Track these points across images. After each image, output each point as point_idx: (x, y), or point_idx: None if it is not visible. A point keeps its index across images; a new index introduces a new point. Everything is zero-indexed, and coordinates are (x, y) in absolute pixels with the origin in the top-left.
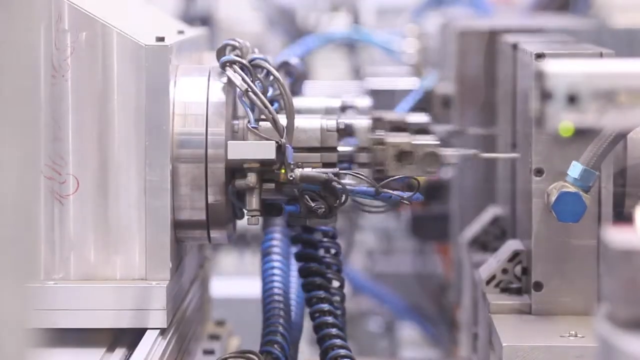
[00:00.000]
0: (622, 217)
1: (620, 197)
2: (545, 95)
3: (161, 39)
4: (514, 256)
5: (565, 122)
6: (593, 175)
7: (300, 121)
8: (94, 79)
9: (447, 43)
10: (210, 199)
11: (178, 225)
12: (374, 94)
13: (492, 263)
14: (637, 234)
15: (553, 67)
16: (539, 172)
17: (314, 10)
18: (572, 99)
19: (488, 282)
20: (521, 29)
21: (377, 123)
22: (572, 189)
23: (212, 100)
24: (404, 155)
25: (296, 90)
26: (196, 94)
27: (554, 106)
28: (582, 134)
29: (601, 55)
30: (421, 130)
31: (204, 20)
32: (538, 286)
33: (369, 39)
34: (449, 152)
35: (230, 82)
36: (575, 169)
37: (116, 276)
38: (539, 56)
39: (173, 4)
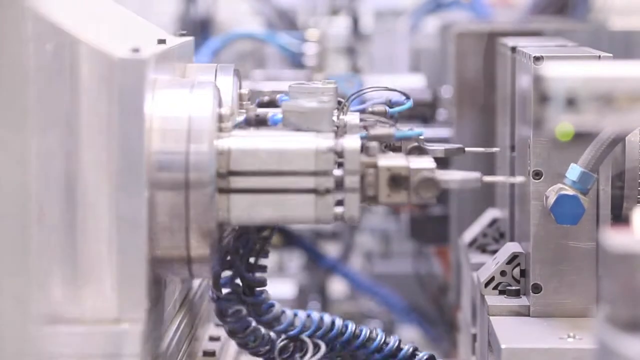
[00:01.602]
0: (620, 219)
1: (619, 199)
2: (544, 98)
3: (136, 51)
4: (513, 258)
5: (563, 125)
6: (591, 177)
7: (288, 140)
8: (59, 96)
9: (446, 45)
10: (193, 231)
11: (155, 260)
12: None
13: (491, 265)
14: (635, 236)
15: (551, 70)
16: (538, 174)
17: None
18: (571, 102)
19: (487, 284)
20: (520, 31)
21: (368, 140)
22: (570, 192)
23: (194, 115)
24: (397, 179)
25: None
26: (176, 108)
27: (552, 109)
28: (581, 137)
29: (599, 58)
30: (416, 148)
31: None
32: (536, 288)
33: (272, 39)
34: (448, 177)
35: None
36: (573, 172)
37: (84, 317)
38: (538, 59)
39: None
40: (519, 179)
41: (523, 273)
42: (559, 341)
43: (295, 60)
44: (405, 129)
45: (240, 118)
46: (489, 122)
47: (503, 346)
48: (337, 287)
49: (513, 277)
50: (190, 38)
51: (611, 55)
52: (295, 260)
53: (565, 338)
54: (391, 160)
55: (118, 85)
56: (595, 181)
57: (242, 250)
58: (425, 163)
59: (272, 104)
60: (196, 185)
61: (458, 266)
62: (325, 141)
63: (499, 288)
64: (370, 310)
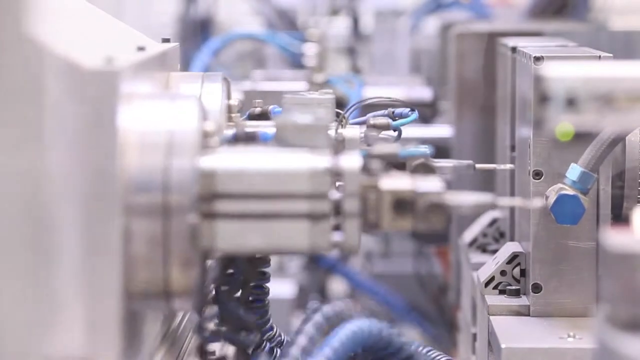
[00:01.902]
0: (620, 219)
1: (619, 199)
2: (544, 98)
3: (109, 61)
4: (513, 258)
5: (563, 125)
6: (591, 177)
7: (280, 159)
8: (23, 112)
9: (446, 46)
10: (173, 261)
11: (131, 294)
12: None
13: (491, 265)
14: (635, 236)
15: (551, 70)
16: (538, 174)
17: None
18: (571, 102)
19: (487, 284)
20: (520, 32)
21: (369, 159)
22: (570, 192)
23: (175, 131)
24: (402, 204)
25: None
26: (155, 124)
27: (552, 109)
28: (581, 137)
29: (599, 58)
30: (423, 166)
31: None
32: (536, 288)
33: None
34: (458, 201)
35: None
36: (573, 172)
37: (51, 357)
38: (538, 59)
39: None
40: (536, 203)
41: (523, 273)
42: (559, 341)
43: (295, 61)
44: (411, 146)
45: (230, 132)
46: (489, 122)
47: (503, 346)
48: (337, 287)
49: (513, 276)
50: (175, 44)
51: (611, 55)
52: (295, 260)
53: (565, 338)
54: (395, 182)
55: (89, 100)
56: (596, 181)
57: (230, 283)
58: (433, 185)
59: (264, 115)
60: (177, 210)
61: (458, 266)
62: (321, 160)
63: (499, 288)
64: (370, 310)
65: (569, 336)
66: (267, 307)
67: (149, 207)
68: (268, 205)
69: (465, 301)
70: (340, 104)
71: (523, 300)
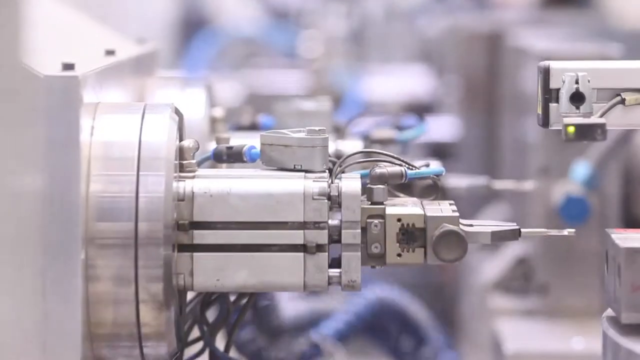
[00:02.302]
0: (628, 218)
1: (626, 197)
2: (550, 94)
3: (69, 67)
4: (519, 258)
5: (570, 121)
6: (599, 174)
7: (269, 182)
8: None
9: (453, 42)
10: (144, 300)
11: (96, 338)
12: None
13: (496, 265)
14: None
15: (558, 65)
16: (544, 171)
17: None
18: (577, 98)
19: (492, 284)
20: (526, 28)
21: (375, 180)
22: (577, 191)
23: (146, 149)
24: (411, 233)
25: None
26: (123, 140)
27: (559, 105)
28: (588, 134)
29: (607, 53)
30: (433, 188)
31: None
32: (543, 288)
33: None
34: (476, 230)
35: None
36: (581, 169)
37: None
38: (544, 55)
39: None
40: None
41: (529, 273)
42: (565, 341)
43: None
44: (420, 164)
45: (213, 147)
46: (494, 119)
47: (508, 347)
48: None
49: (519, 277)
50: (152, 45)
51: (619, 51)
52: None
53: (571, 338)
54: (402, 208)
55: (45, 111)
56: (603, 179)
57: (212, 322)
58: (446, 210)
59: (253, 127)
60: (148, 241)
61: (461, 266)
62: (316, 183)
63: (505, 288)
64: None
65: (575, 337)
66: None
67: (115, 237)
68: (255, 236)
69: (469, 302)
70: (338, 130)
71: (529, 301)
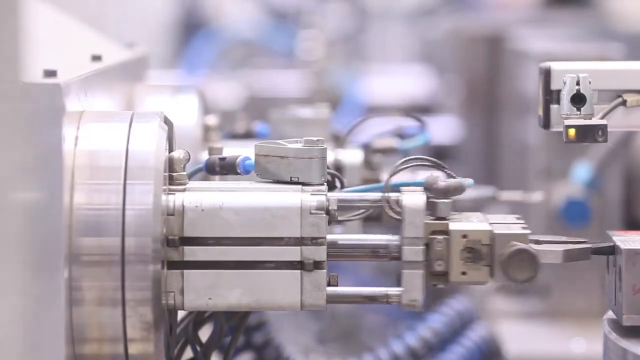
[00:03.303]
0: (629, 218)
1: (627, 199)
2: (551, 96)
3: (51, 74)
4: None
5: (571, 122)
6: (600, 176)
7: (264, 195)
8: None
9: (455, 43)
10: (131, 321)
11: None
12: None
13: None
14: None
15: (559, 67)
16: (545, 173)
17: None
18: (578, 99)
19: (493, 286)
20: (527, 30)
21: (439, 193)
22: (578, 193)
23: (133, 160)
24: (477, 250)
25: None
26: (109, 150)
27: (559, 107)
28: (589, 135)
29: (608, 54)
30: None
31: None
32: (544, 291)
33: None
34: (548, 248)
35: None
36: (582, 171)
37: None
38: (545, 56)
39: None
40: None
41: None
42: (565, 344)
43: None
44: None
45: (205, 157)
46: (495, 120)
47: (509, 349)
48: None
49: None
50: (142, 50)
51: (621, 51)
52: None
53: (572, 340)
54: (468, 224)
55: (25, 120)
56: (604, 180)
57: (206, 341)
58: (515, 227)
59: (248, 135)
60: (136, 257)
61: None
62: (314, 197)
63: (506, 290)
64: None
65: (577, 338)
66: None
67: (100, 253)
68: (249, 252)
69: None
70: (337, 139)
71: (530, 303)
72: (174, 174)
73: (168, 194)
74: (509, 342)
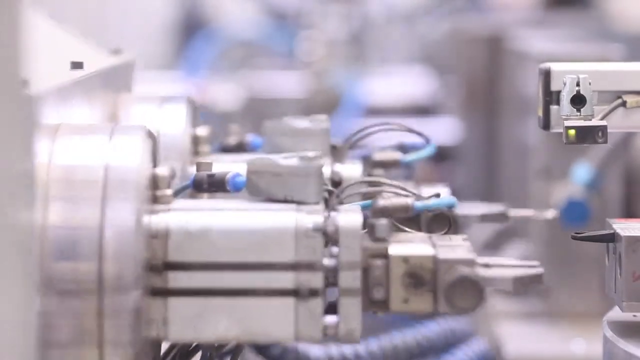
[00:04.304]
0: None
1: (627, 199)
2: (551, 97)
3: (23, 83)
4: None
5: (570, 123)
6: (600, 177)
7: (256, 216)
8: None
9: (453, 46)
10: (110, 355)
11: None
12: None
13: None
14: None
15: (559, 68)
16: (545, 173)
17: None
18: (578, 100)
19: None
20: (527, 30)
21: (377, 213)
22: (578, 194)
23: (113, 177)
24: (419, 277)
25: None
26: (87, 166)
27: (559, 107)
28: (588, 136)
29: (608, 54)
30: (442, 219)
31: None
32: (543, 291)
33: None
34: (495, 274)
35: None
36: (582, 172)
37: None
38: (545, 57)
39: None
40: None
41: None
42: (565, 344)
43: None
44: (429, 195)
45: (193, 171)
46: (495, 121)
47: (509, 350)
48: None
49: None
50: (128, 56)
51: (621, 52)
52: None
53: (572, 341)
54: (409, 247)
55: None
56: (604, 180)
57: None
58: (460, 250)
59: (240, 147)
60: (115, 285)
61: None
62: (310, 217)
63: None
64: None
65: (577, 338)
66: None
67: (76, 280)
68: (238, 278)
69: None
70: (334, 149)
71: (531, 303)
72: (157, 193)
73: (151, 214)
74: (509, 342)
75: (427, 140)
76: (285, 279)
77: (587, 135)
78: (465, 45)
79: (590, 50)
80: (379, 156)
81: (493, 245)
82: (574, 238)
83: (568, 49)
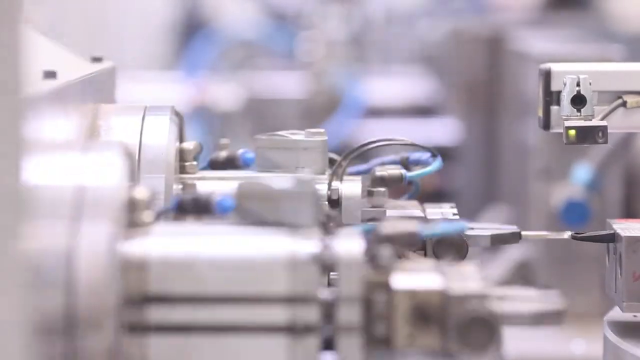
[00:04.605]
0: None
1: (627, 200)
2: (551, 97)
3: None
4: (519, 261)
5: (571, 124)
6: (600, 177)
7: (245, 243)
8: None
9: (453, 46)
10: None
11: None
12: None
13: (497, 268)
14: None
15: (559, 68)
16: (545, 174)
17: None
18: (578, 101)
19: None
20: (527, 30)
21: (380, 240)
22: (578, 194)
23: (86, 201)
24: (426, 313)
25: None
26: (56, 187)
27: (559, 107)
28: (589, 136)
29: (609, 55)
30: (450, 245)
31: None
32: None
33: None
34: (512, 310)
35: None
36: (582, 172)
37: None
38: (545, 57)
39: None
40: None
41: (529, 276)
42: (565, 345)
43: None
44: (436, 217)
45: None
46: (495, 121)
47: (508, 350)
48: None
49: (519, 280)
50: (109, 65)
51: (621, 52)
52: None
53: (572, 341)
54: (415, 278)
55: None
56: (604, 181)
57: None
58: (472, 283)
59: (230, 163)
60: (87, 321)
61: None
62: (305, 244)
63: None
64: None
65: (577, 339)
66: None
67: (41, 316)
68: (225, 313)
69: None
70: (332, 162)
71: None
72: (136, 216)
73: (128, 240)
74: (509, 342)
75: (433, 154)
76: (277, 314)
77: (588, 135)
78: (466, 45)
79: (590, 51)
80: (380, 172)
81: (490, 249)
82: (574, 238)
83: (568, 49)
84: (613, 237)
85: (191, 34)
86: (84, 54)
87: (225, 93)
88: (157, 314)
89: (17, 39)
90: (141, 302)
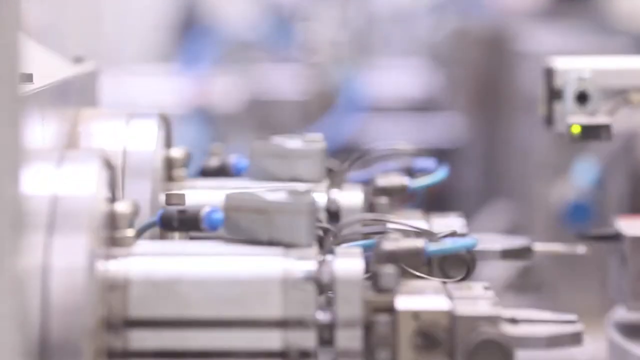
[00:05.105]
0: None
1: (631, 197)
2: (554, 94)
3: None
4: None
5: (574, 121)
6: (603, 175)
7: (235, 262)
8: None
9: (456, 44)
10: None
11: None
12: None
13: (500, 267)
14: None
15: (562, 64)
16: (547, 172)
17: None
18: (582, 98)
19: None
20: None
21: (382, 259)
22: (581, 192)
23: (62, 217)
24: (432, 335)
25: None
26: (32, 202)
27: (563, 105)
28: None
29: (611, 52)
30: (457, 258)
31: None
32: (546, 290)
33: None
34: (526, 332)
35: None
36: (585, 169)
37: None
38: (547, 54)
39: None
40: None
41: (533, 275)
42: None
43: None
44: (443, 231)
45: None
46: (498, 119)
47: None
48: None
49: (522, 279)
50: (90, 67)
51: (626, 50)
52: None
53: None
54: (420, 299)
55: None
56: (608, 179)
57: None
58: (482, 304)
59: (223, 171)
60: (62, 347)
61: None
62: (300, 264)
63: (508, 290)
64: None
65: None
66: None
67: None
68: (214, 338)
69: None
70: (330, 172)
71: (532, 303)
72: (116, 233)
73: (108, 259)
74: None
75: (438, 163)
76: (271, 339)
77: (592, 132)
78: (468, 43)
79: (594, 49)
80: (382, 181)
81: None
82: (579, 238)
83: (571, 47)
84: (617, 237)
85: (190, 31)
86: (83, 51)
87: (225, 88)
88: (138, 340)
89: None
90: (121, 326)
